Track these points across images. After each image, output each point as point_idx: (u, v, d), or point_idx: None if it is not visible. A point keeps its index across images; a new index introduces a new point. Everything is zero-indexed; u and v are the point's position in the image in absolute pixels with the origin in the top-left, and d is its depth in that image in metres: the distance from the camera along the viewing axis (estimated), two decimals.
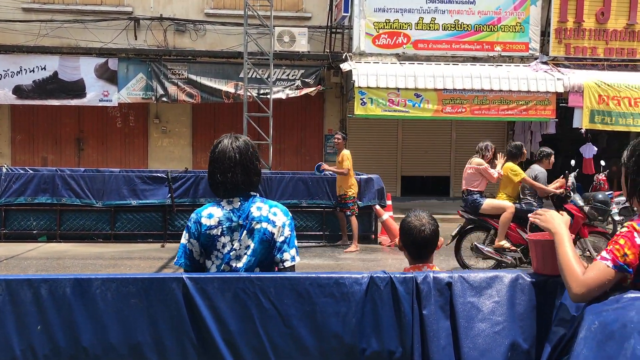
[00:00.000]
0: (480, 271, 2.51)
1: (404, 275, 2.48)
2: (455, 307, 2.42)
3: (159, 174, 10.09)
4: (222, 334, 2.45)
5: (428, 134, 15.76)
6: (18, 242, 9.58)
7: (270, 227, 2.66)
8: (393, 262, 9.32)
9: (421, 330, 2.43)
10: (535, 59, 13.99)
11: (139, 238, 9.98)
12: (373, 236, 10.54)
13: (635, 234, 2.16)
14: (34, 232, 9.83)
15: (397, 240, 10.00)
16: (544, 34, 14.17)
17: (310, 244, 10.04)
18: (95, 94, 13.80)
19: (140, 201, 9.90)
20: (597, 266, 2.16)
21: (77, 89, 13.75)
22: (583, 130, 13.65)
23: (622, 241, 2.16)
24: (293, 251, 2.70)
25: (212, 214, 2.69)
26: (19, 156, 14.99)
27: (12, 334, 2.44)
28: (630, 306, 2.00)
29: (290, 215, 2.74)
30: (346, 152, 9.51)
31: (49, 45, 14.04)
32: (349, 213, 9.60)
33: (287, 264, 2.69)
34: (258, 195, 2.76)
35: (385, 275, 2.48)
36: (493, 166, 8.32)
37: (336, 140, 9.75)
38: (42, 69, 13.62)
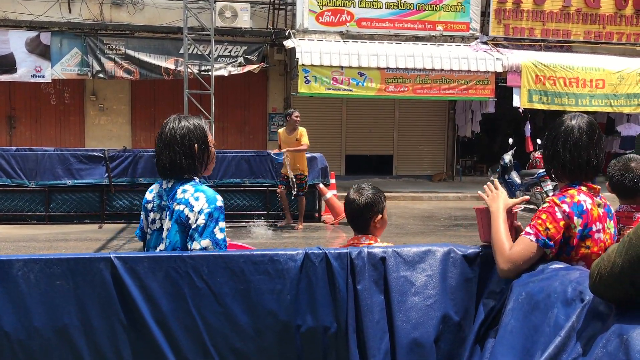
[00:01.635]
0: (414, 245, 2.53)
1: (338, 251, 2.47)
2: (389, 281, 2.43)
3: (95, 153, 9.76)
4: (154, 314, 2.39)
5: (372, 112, 15.86)
6: None
7: (187, 211, 2.55)
8: (336, 241, 9.39)
9: (355, 305, 2.44)
10: (476, 39, 14.23)
11: (76, 219, 9.68)
12: (317, 215, 10.58)
13: (556, 208, 2.23)
14: None
15: (340, 218, 10.07)
16: (484, 14, 14.42)
17: (255, 223, 9.98)
18: (27, 69, 13.16)
19: (76, 181, 9.58)
20: (521, 241, 2.23)
21: (7, 63, 13.08)
22: (521, 110, 14.04)
23: (544, 216, 2.24)
24: (205, 242, 2.52)
25: (152, 190, 2.74)
26: None
27: None
28: (554, 277, 2.06)
29: (218, 205, 2.55)
30: (303, 129, 9.55)
31: None
32: (301, 194, 9.57)
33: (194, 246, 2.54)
34: (197, 179, 2.68)
35: (320, 252, 2.47)
36: None
37: (296, 117, 9.53)
38: None
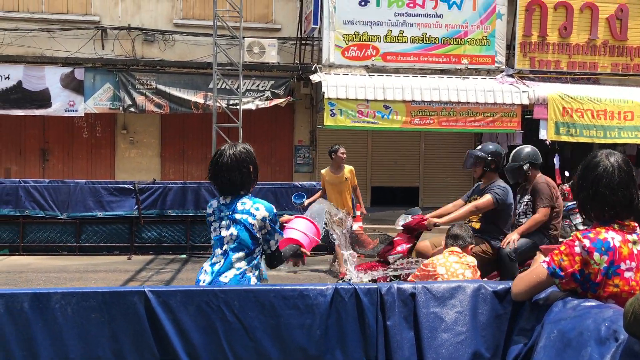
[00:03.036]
0: (444, 282, 2.54)
1: (368, 287, 2.49)
2: (419, 317, 2.44)
3: (125, 185, 9.95)
4: (186, 348, 2.43)
5: (397, 145, 15.89)
6: None
7: (250, 219, 3.14)
8: (362, 274, 9.33)
9: (385, 341, 2.44)
10: (501, 71, 14.25)
11: (105, 250, 9.82)
12: None
13: (576, 243, 2.25)
14: None
15: (369, 249, 9.90)
16: (510, 47, 14.46)
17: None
18: (61, 104, 13.55)
19: (106, 213, 9.75)
20: (535, 265, 2.27)
21: (42, 98, 13.49)
22: (548, 142, 13.94)
23: (562, 247, 2.27)
24: (277, 236, 3.24)
25: (211, 205, 3.32)
26: None
27: None
28: (586, 314, 2.05)
29: (274, 212, 3.21)
30: (351, 168, 8.71)
31: (13, 54, 13.77)
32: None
33: (273, 248, 3.23)
34: (248, 194, 3.28)
35: (350, 287, 2.49)
36: None
37: (342, 154, 8.50)
38: (5, 79, 13.34)
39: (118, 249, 9.86)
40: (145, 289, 2.43)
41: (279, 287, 2.50)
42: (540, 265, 2.28)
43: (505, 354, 2.39)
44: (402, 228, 5.82)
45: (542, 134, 13.65)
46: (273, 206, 3.24)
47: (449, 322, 2.44)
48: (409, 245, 5.63)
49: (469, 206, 5.55)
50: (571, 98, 13.58)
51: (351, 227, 10.32)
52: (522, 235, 5.44)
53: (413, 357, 2.40)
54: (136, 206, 9.78)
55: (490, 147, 5.94)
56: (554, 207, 5.65)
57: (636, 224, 2.33)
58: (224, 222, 3.20)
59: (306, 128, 15.76)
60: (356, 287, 2.49)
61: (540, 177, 5.86)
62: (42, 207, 9.63)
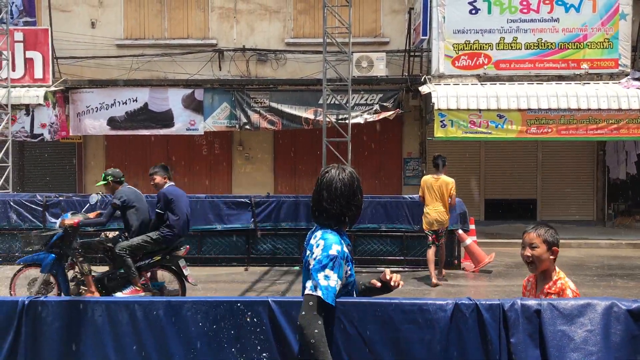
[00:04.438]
0: (572, 299, 2.42)
1: (490, 302, 2.43)
2: (545, 335, 2.34)
3: (242, 200, 10.38)
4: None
5: (512, 155, 15.32)
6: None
7: (308, 253, 2.63)
8: (476, 289, 9.08)
9: (509, 358, 2.37)
10: (626, 75, 13.34)
11: (224, 262, 10.27)
12: (456, 261, 10.32)
13: None
14: None
15: (481, 265, 9.70)
16: (636, 49, 13.52)
17: (390, 268, 9.93)
18: (183, 123, 14.44)
19: (225, 226, 10.21)
20: None
21: (166, 119, 14.44)
22: None
23: None
24: (310, 283, 2.50)
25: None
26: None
27: (110, 354, 2.59)
28: None
29: (330, 254, 2.53)
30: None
31: (139, 78, 14.88)
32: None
33: (306, 291, 2.49)
34: (332, 228, 2.70)
35: (471, 302, 2.45)
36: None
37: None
38: (133, 101, 14.44)
39: (235, 261, 10.28)
40: (269, 299, 2.53)
41: (398, 301, 2.50)
42: None
43: None
44: None
45: None
46: (337, 248, 2.56)
47: (578, 341, 2.32)
48: None
49: None
50: None
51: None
52: None
53: None
54: (252, 219, 10.16)
55: None
56: None
57: None
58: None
59: (415, 140, 15.63)
60: (478, 302, 2.44)
61: None
62: None
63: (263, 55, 15.23)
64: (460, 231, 10.09)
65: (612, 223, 15.42)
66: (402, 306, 2.46)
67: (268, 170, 15.75)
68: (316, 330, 2.30)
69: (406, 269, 10.02)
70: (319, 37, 14.14)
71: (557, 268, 3.04)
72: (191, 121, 14.41)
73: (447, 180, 9.03)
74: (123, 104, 14.48)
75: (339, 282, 2.49)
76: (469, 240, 10.19)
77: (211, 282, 8.97)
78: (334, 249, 2.55)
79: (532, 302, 2.41)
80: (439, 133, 12.81)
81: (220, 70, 15.21)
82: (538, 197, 15.57)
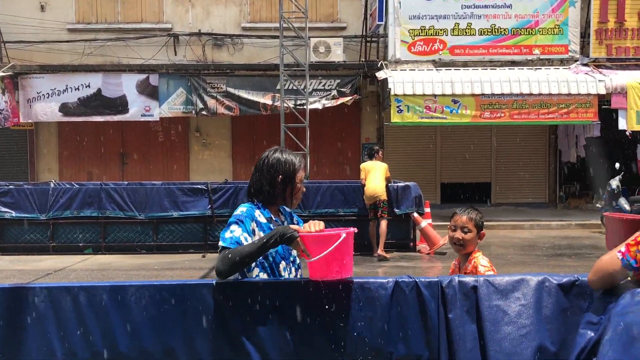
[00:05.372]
0: (506, 275, 2.51)
1: (428, 280, 2.50)
2: (481, 310, 2.42)
3: (199, 186, 10.30)
4: (252, 339, 2.52)
5: (467, 140, 15.60)
6: (66, 254, 9.92)
7: None
8: (431, 271, 9.26)
9: (447, 334, 2.44)
10: (576, 61, 13.71)
11: (181, 249, 10.20)
12: (411, 244, 10.49)
13: None
14: (80, 244, 10.15)
15: (435, 247, 9.90)
16: (584, 35, 13.89)
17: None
18: (137, 109, 14.19)
19: (181, 213, 10.12)
20: (610, 254, 2.20)
21: (120, 105, 14.18)
22: (629, 132, 13.30)
23: (639, 238, 2.18)
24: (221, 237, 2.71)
25: None
26: (66, 171, 15.52)
27: (54, 339, 2.56)
28: None
29: (236, 214, 2.74)
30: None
31: (92, 63, 14.55)
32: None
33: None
34: (253, 203, 2.84)
35: (410, 280, 2.51)
36: None
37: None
38: (86, 87, 14.11)
39: (193, 248, 10.22)
40: (214, 282, 2.54)
41: (348, 280, 2.54)
42: (615, 253, 2.21)
43: (571, 348, 2.34)
44: None
45: (622, 124, 13.05)
46: (242, 210, 2.75)
47: (512, 315, 2.40)
48: None
49: None
50: None
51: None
52: None
53: (475, 350, 2.38)
54: (209, 206, 10.11)
55: None
56: None
57: None
58: None
59: (373, 126, 15.75)
60: (417, 280, 2.50)
61: None
62: (122, 208, 10.12)
63: (219, 40, 15.07)
64: (415, 214, 10.25)
65: (563, 205, 15.90)
66: (342, 283, 2.50)
67: (226, 157, 15.65)
68: (228, 254, 2.52)
69: (363, 253, 10.13)
70: (276, 21, 14.06)
71: (476, 248, 3.22)
72: (146, 107, 14.18)
73: (382, 164, 9.91)
74: (75, 89, 14.15)
75: (245, 236, 2.66)
76: (424, 223, 10.38)
77: (167, 270, 8.92)
78: (239, 211, 2.74)
79: (469, 279, 2.48)
80: (395, 118, 12.94)
81: (175, 55, 14.99)
82: (492, 181, 15.93)
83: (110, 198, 10.15)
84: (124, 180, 14.52)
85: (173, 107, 14.31)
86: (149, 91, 14.22)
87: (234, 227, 2.69)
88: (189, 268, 9.09)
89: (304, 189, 2.99)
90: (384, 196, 9.74)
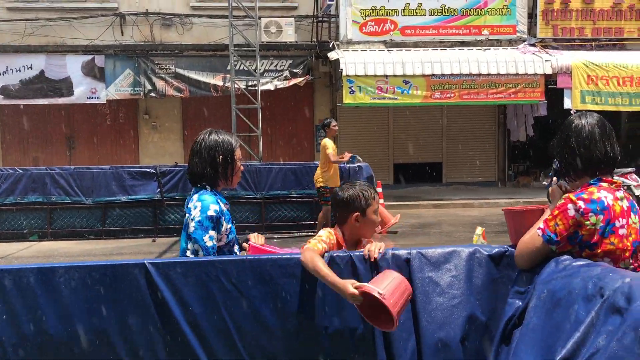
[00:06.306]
0: (439, 247, 2.54)
1: (362, 254, 2.51)
2: (414, 282, 2.45)
3: (147, 169, 10.09)
4: (187, 317, 2.49)
5: (419, 120, 15.77)
6: (9, 241, 9.61)
7: (187, 215, 2.77)
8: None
9: None
10: (523, 41, 13.97)
11: (130, 234, 10.00)
12: None
13: (569, 205, 2.23)
14: (25, 231, 9.84)
15: (387, 226, 9.96)
16: (531, 16, 14.14)
17: (301, 233, 10.07)
18: (83, 91, 13.77)
19: (129, 197, 9.91)
20: (531, 232, 2.25)
21: (65, 87, 13.73)
22: (573, 111, 13.65)
23: (556, 212, 2.24)
24: (193, 246, 2.70)
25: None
26: (10, 157, 14.98)
27: None
28: (576, 273, 2.04)
29: (209, 214, 2.69)
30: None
31: (34, 44, 14.01)
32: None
33: (187, 253, 2.72)
34: (209, 189, 2.84)
35: (345, 254, 2.52)
36: None
37: (335, 127, 9.21)
38: (28, 68, 13.60)
39: (143, 232, 10.04)
40: (145, 262, 2.50)
41: (276, 257, 2.54)
42: (535, 230, 2.28)
43: (500, 317, 2.39)
44: None
45: (567, 104, 13.40)
46: (214, 208, 2.71)
47: (444, 286, 2.45)
48: None
49: None
50: (596, 65, 13.27)
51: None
52: None
53: (408, 322, 2.42)
54: (158, 189, 9.93)
55: None
56: None
57: (620, 181, 2.34)
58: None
59: (326, 107, 15.74)
60: (352, 254, 2.51)
61: None
62: (68, 193, 9.84)
63: (167, 20, 14.72)
64: None
65: (512, 183, 16.29)
66: (279, 261, 2.50)
67: (177, 139, 15.39)
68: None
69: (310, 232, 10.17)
70: (225, 1, 13.81)
71: None
72: (92, 89, 13.78)
73: (323, 143, 8.99)
74: (17, 71, 13.63)
75: (218, 238, 2.71)
76: None
77: (115, 255, 8.74)
78: (212, 209, 2.70)
79: (402, 252, 2.51)
80: (347, 99, 12.95)
81: (122, 35, 14.58)
82: (443, 160, 16.17)
83: (56, 183, 9.85)
84: (72, 165, 14.13)
85: (120, 89, 13.95)
86: (95, 73, 13.82)
87: (212, 233, 2.68)
88: (138, 253, 8.93)
89: (242, 168, 3.00)
90: (318, 183, 9.09)
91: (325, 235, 2.64)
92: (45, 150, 15.17)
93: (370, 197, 2.73)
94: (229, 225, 2.80)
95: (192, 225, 2.70)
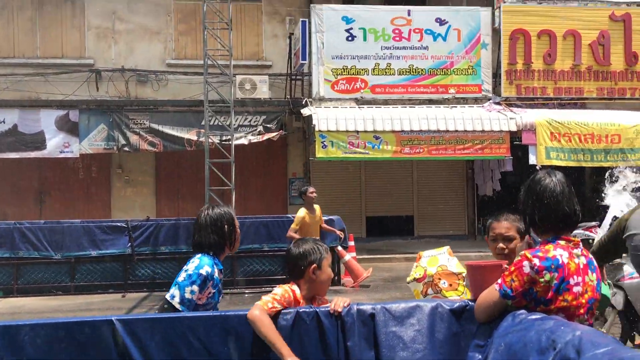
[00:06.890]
0: (402, 301, 2.62)
1: (328, 309, 2.57)
2: (378, 337, 2.52)
3: (118, 224, 10.04)
4: None
5: (390, 174, 16.04)
6: None
7: (184, 267, 3.10)
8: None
9: None
10: (489, 99, 14.48)
11: (100, 289, 9.86)
12: (336, 277, 10.57)
13: (525, 263, 2.34)
14: None
15: (360, 280, 9.99)
16: (496, 75, 14.72)
17: (274, 288, 9.99)
18: (56, 145, 13.74)
19: (100, 251, 9.81)
20: (489, 289, 2.35)
21: (38, 141, 13.69)
22: (538, 167, 14.05)
23: (512, 268, 2.35)
24: (175, 291, 2.97)
25: None
26: None
27: None
28: (530, 327, 2.13)
29: (200, 272, 2.97)
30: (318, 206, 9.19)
31: (9, 98, 14.03)
32: None
33: (167, 296, 2.98)
34: (209, 254, 3.14)
35: (311, 310, 2.58)
36: None
37: (313, 194, 9.00)
38: (1, 122, 13.56)
39: (112, 287, 9.90)
40: (113, 318, 2.52)
41: (242, 313, 2.58)
42: (493, 287, 2.38)
43: None
44: None
45: (532, 160, 13.79)
46: (207, 270, 3.00)
47: (407, 340, 2.51)
48: None
49: None
50: (558, 123, 13.77)
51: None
52: None
53: None
54: (129, 244, 9.86)
55: None
56: None
57: (579, 239, 2.45)
58: None
59: (299, 161, 15.93)
60: (317, 310, 2.57)
61: None
62: (37, 248, 9.70)
63: (143, 76, 14.92)
64: (339, 248, 10.38)
65: (482, 237, 16.52)
66: (244, 317, 2.54)
67: (150, 194, 15.35)
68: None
69: None
70: (201, 58, 14.09)
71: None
72: (65, 143, 13.76)
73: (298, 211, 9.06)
74: None
75: (198, 296, 2.95)
76: (348, 256, 10.52)
77: (84, 311, 8.57)
78: (205, 269, 2.98)
79: (367, 307, 2.58)
80: (320, 153, 13.17)
81: (97, 91, 14.71)
82: (415, 214, 16.37)
83: (24, 238, 9.71)
84: (43, 219, 13.93)
85: (94, 144, 13.95)
86: (69, 127, 13.83)
87: (195, 288, 2.95)
88: (107, 308, 8.78)
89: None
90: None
91: (280, 294, 2.70)
92: (15, 205, 14.94)
93: (324, 250, 2.92)
94: (214, 291, 3.04)
95: (182, 275, 3.01)
